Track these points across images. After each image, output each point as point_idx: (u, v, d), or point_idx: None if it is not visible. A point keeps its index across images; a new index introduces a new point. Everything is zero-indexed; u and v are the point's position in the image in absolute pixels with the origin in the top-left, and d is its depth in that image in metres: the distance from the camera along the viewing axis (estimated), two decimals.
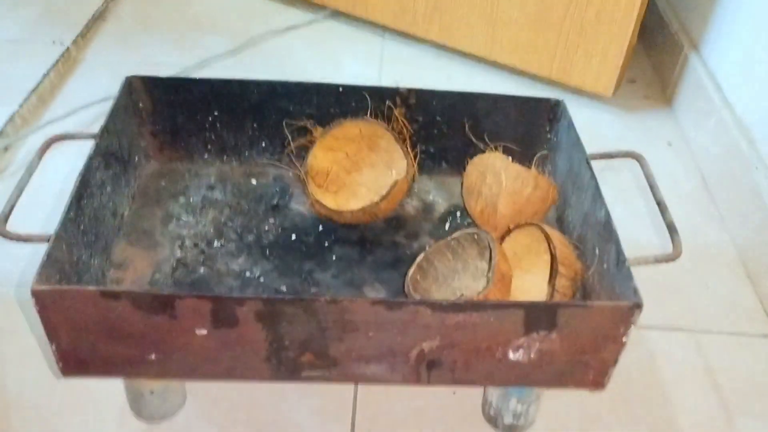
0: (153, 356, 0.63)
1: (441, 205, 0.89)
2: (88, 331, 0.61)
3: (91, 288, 0.58)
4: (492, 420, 0.77)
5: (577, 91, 1.34)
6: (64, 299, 0.59)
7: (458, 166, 0.90)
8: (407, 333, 0.62)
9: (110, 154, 0.77)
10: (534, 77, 1.37)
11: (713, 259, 1.03)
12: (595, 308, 0.61)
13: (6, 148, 1.11)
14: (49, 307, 0.59)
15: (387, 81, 1.35)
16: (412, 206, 0.88)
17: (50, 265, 0.61)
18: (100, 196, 0.74)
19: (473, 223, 0.84)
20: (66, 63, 1.33)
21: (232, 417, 0.77)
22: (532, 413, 0.76)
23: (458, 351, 0.64)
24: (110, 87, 1.27)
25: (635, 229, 1.05)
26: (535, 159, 0.81)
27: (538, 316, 0.61)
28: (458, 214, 0.87)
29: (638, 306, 0.60)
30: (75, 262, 0.67)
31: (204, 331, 0.61)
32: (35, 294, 0.58)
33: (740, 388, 0.85)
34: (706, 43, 1.26)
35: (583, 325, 0.62)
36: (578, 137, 0.79)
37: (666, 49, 1.40)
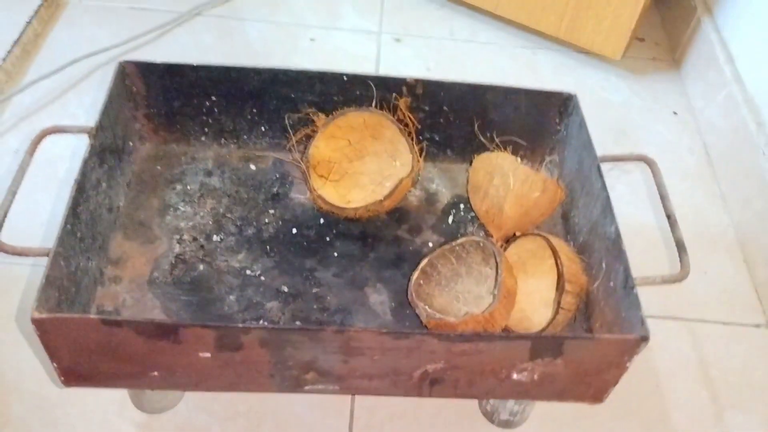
0: (155, 373, 0.63)
1: (444, 195, 0.87)
2: (89, 351, 0.60)
3: (93, 317, 0.57)
4: (488, 415, 0.79)
5: (584, 52, 1.30)
6: (65, 326, 0.58)
7: (463, 154, 0.88)
8: (412, 357, 0.62)
9: (105, 150, 0.74)
10: (541, 35, 1.32)
11: (713, 243, 1.03)
12: (603, 341, 0.60)
13: None
14: (50, 332, 0.58)
15: (387, 34, 1.30)
16: (415, 196, 0.86)
17: (49, 287, 0.60)
18: (96, 196, 0.72)
19: (477, 219, 0.83)
20: (49, 9, 1.26)
21: (232, 409, 0.78)
22: (528, 410, 0.78)
23: (462, 372, 0.64)
24: (97, 34, 1.22)
25: (641, 224, 1.03)
26: (544, 163, 0.79)
27: (545, 347, 0.61)
28: (462, 206, 0.85)
29: (645, 339, 0.60)
30: (73, 272, 0.66)
31: (207, 355, 0.61)
32: (35, 322, 0.57)
33: (732, 380, 0.87)
34: (721, 10, 1.20)
35: (589, 355, 0.62)
36: (590, 139, 0.77)
37: (678, 9, 1.34)
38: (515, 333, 0.70)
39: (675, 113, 1.23)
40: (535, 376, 0.64)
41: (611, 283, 0.68)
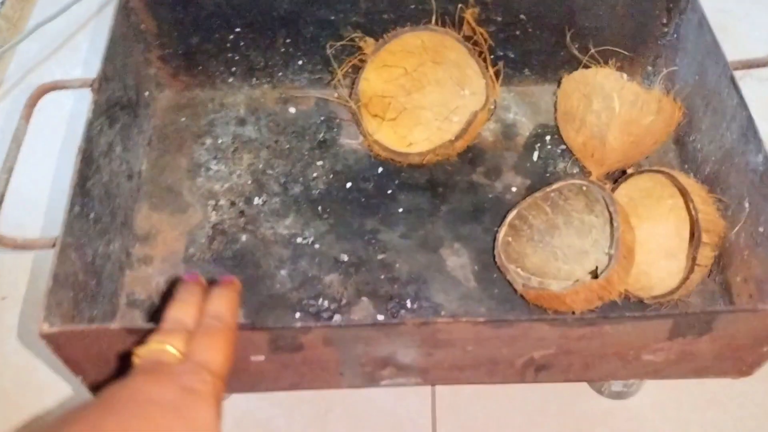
0: None
1: (525, 125, 0.72)
2: (118, 363, 0.49)
3: (115, 327, 0.45)
4: (595, 385, 0.66)
5: None
6: (83, 338, 0.46)
7: (544, 73, 0.72)
8: (516, 345, 0.49)
9: (114, 105, 0.61)
10: None
11: None
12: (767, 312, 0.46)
13: None
14: (66, 346, 0.47)
15: None
16: (489, 130, 0.71)
17: (58, 288, 0.48)
18: (109, 164, 0.59)
19: (569, 152, 0.68)
20: None
21: (295, 395, 0.67)
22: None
23: (577, 356, 0.51)
24: None
25: None
26: (660, 76, 0.63)
27: (690, 324, 0.47)
28: (548, 138, 0.70)
29: None
30: (90, 262, 0.54)
31: (261, 358, 0.49)
32: (45, 337, 0.45)
33: None
34: None
35: (744, 328, 0.48)
36: (716, 41, 0.60)
37: None
38: (652, 311, 0.56)
39: None
40: (672, 356, 0.51)
41: (761, 229, 0.53)
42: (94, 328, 0.46)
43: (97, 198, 0.56)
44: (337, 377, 0.53)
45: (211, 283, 0.45)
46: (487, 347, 0.49)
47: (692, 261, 0.53)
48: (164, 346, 0.39)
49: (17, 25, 1.02)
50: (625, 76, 0.61)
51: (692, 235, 0.55)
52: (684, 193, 0.55)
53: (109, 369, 0.49)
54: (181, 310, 0.42)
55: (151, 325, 0.45)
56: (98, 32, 0.97)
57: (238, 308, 0.44)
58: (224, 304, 0.43)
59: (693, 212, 0.54)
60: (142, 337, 0.46)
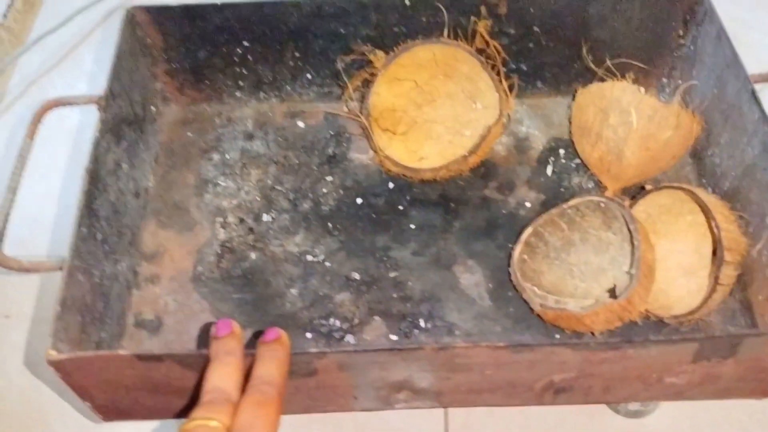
0: None
1: (538, 139, 0.70)
2: (128, 388, 0.48)
3: (124, 353, 0.44)
4: (613, 404, 0.65)
5: None
6: (91, 364, 0.45)
7: (557, 85, 0.71)
8: (536, 369, 0.48)
9: (121, 122, 0.60)
10: None
11: None
12: None
13: None
14: (74, 373, 0.45)
15: None
16: (501, 144, 0.70)
17: (66, 312, 0.47)
18: (116, 182, 0.58)
19: (584, 166, 0.66)
20: None
21: (305, 416, 0.66)
22: None
23: (598, 379, 0.49)
24: None
25: None
26: (679, 89, 0.61)
27: (716, 347, 0.46)
28: (562, 152, 0.69)
29: None
30: (98, 283, 0.53)
31: None
32: (53, 364, 0.44)
33: None
34: None
35: None
36: (735, 54, 0.59)
37: None
38: (673, 331, 0.55)
39: None
40: (695, 378, 0.49)
41: None
42: (104, 354, 0.44)
43: (104, 218, 0.55)
44: (350, 401, 0.51)
45: (256, 334, 0.43)
46: (506, 371, 0.47)
47: (714, 280, 0.52)
48: (209, 423, 0.37)
49: (19, 36, 1.01)
50: (642, 89, 0.59)
51: (714, 252, 0.53)
52: (705, 210, 0.54)
53: (117, 394, 0.48)
54: (223, 377, 0.40)
55: (165, 352, 0.44)
56: (102, 43, 0.96)
57: (288, 369, 0.42)
58: (275, 368, 0.41)
59: (715, 230, 0.52)
60: (155, 361, 0.45)
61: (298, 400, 0.50)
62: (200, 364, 0.45)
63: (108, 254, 0.55)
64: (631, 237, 0.54)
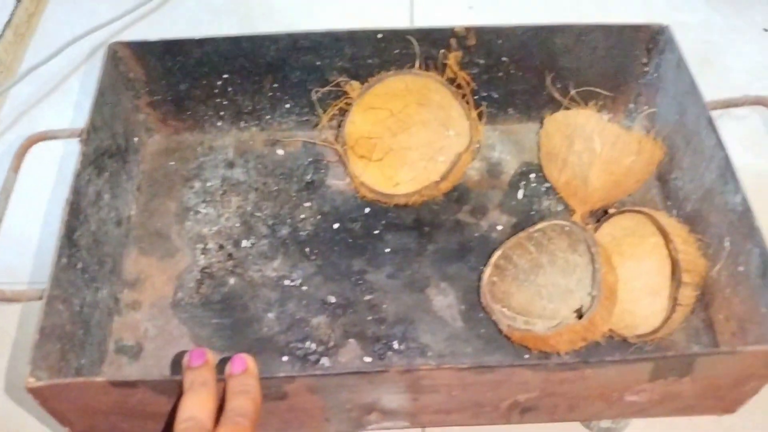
0: None
1: (510, 164, 0.72)
2: (104, 414, 0.49)
3: (99, 380, 0.46)
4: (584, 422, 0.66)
5: None
6: (69, 391, 0.47)
7: (528, 111, 0.73)
8: (500, 389, 0.49)
9: (102, 154, 0.62)
10: None
11: None
12: (747, 354, 0.47)
13: None
14: (52, 399, 0.47)
15: None
16: (474, 169, 0.72)
17: (45, 341, 0.49)
18: (97, 213, 0.60)
19: (553, 190, 0.69)
20: None
21: None
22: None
23: (562, 398, 0.51)
24: (97, 7, 1.08)
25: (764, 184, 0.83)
26: (640, 116, 0.64)
27: (671, 366, 0.47)
28: (533, 176, 0.71)
29: None
30: (78, 312, 0.55)
31: None
32: (32, 392, 0.46)
33: None
34: None
35: (725, 369, 0.48)
36: (693, 82, 0.61)
37: None
38: (635, 351, 0.57)
39: (766, 30, 1.04)
40: (655, 396, 0.51)
41: (741, 268, 0.54)
42: (80, 381, 0.46)
43: (84, 248, 0.57)
44: (323, 423, 0.53)
45: (223, 360, 0.45)
46: (471, 392, 0.49)
47: (674, 301, 0.54)
48: None
49: (11, 67, 1.04)
50: (605, 117, 0.62)
51: (674, 274, 0.55)
52: (664, 233, 0.56)
53: (95, 419, 0.50)
54: (197, 407, 0.41)
55: (138, 378, 0.46)
56: (90, 75, 0.99)
57: (261, 398, 0.43)
58: (248, 400, 0.42)
59: (673, 253, 0.54)
60: (129, 387, 0.46)
61: (271, 422, 0.52)
62: (174, 390, 0.46)
63: (89, 282, 0.57)
64: (593, 260, 0.56)
